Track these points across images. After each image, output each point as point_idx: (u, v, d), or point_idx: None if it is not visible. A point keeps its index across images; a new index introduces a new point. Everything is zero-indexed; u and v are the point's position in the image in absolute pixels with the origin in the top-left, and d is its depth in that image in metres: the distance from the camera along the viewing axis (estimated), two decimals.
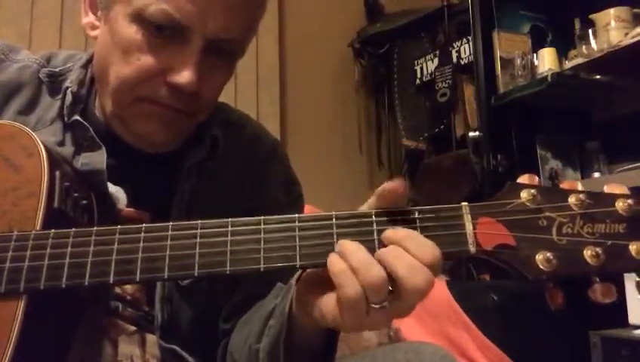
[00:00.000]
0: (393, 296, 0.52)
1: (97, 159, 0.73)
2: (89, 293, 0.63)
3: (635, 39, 1.65)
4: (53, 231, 0.58)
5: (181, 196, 0.77)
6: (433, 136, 2.38)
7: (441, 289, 1.66)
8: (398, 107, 2.56)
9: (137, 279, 0.55)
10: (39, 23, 2.11)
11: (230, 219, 0.57)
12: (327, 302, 0.54)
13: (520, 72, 1.98)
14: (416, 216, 0.54)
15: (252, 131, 0.90)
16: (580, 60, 1.83)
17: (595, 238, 0.51)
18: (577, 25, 2.02)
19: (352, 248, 0.53)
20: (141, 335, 0.75)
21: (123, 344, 0.73)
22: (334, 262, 0.53)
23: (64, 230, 0.58)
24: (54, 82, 0.78)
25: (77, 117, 0.75)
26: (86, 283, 0.55)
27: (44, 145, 0.63)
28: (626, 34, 1.71)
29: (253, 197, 0.82)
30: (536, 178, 0.55)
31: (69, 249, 0.56)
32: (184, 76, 0.68)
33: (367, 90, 2.75)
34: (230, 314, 0.78)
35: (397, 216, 0.55)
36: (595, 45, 1.79)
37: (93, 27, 0.77)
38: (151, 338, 0.75)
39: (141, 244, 0.56)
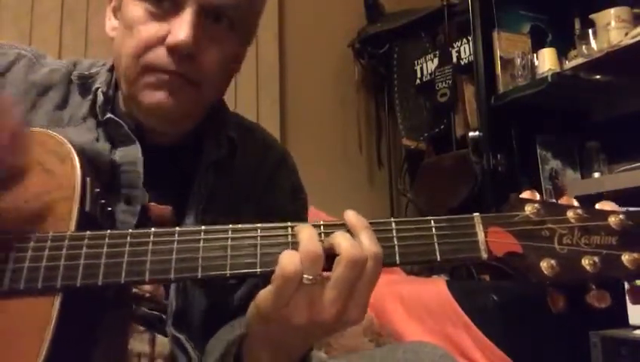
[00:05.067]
0: (324, 278, 0.55)
1: (133, 153, 0.78)
2: (113, 294, 0.65)
3: (635, 39, 1.66)
4: (88, 232, 0.61)
5: (198, 192, 0.80)
6: (433, 136, 2.38)
7: (441, 289, 1.66)
8: (398, 107, 2.55)
9: (172, 278, 0.59)
10: (39, 23, 2.11)
11: (259, 225, 0.61)
12: (263, 291, 0.57)
13: (520, 72, 1.98)
14: (432, 224, 0.59)
15: (264, 138, 0.95)
16: (580, 60, 1.83)
17: (591, 248, 0.57)
18: (577, 25, 2.02)
19: (305, 231, 0.57)
20: (151, 334, 0.76)
21: (133, 342, 0.74)
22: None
23: (100, 232, 0.61)
24: (85, 83, 0.83)
25: (110, 115, 0.80)
26: (122, 282, 0.59)
27: (76, 152, 0.66)
28: (626, 34, 1.71)
29: (261, 200, 0.86)
30: (537, 194, 0.62)
31: (105, 249, 0.59)
32: (179, 35, 0.72)
33: (367, 90, 2.75)
34: (235, 312, 0.80)
35: (414, 224, 0.60)
36: (595, 45, 1.79)
37: (114, 29, 0.83)
38: (160, 339, 0.76)
39: (175, 246, 0.59)
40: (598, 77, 1.84)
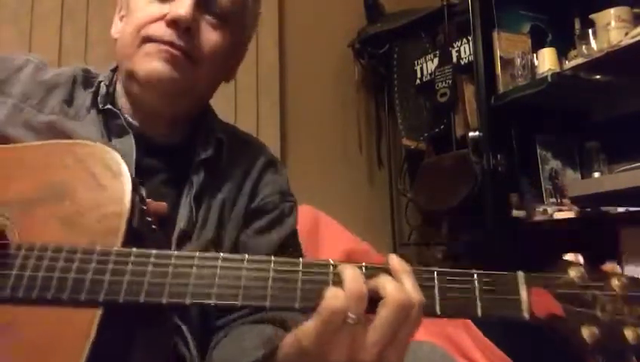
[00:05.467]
0: (368, 319, 0.56)
1: (127, 143, 0.83)
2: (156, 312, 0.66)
3: (635, 39, 1.66)
4: (134, 249, 0.61)
5: (189, 188, 0.85)
6: (433, 136, 2.37)
7: None
8: (398, 107, 2.55)
9: (212, 303, 0.59)
10: (39, 23, 2.11)
11: (302, 260, 0.61)
12: (305, 324, 0.58)
13: (520, 72, 1.98)
14: (475, 278, 0.59)
15: (256, 143, 0.99)
16: (580, 60, 1.83)
17: (634, 319, 0.57)
18: (577, 25, 2.02)
19: (349, 270, 0.58)
20: None
21: None
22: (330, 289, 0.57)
23: (145, 250, 0.62)
24: (88, 77, 0.90)
25: (109, 105, 0.86)
26: (164, 302, 0.59)
27: (129, 169, 0.68)
28: (626, 34, 1.71)
29: (249, 201, 0.90)
30: (581, 258, 0.62)
31: (150, 268, 0.60)
32: (178, 10, 0.79)
33: (367, 90, 2.75)
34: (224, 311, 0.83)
35: (457, 276, 0.60)
36: (595, 45, 1.79)
37: (117, 31, 0.90)
38: None
39: (218, 271, 0.60)
40: (598, 77, 1.84)
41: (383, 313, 0.56)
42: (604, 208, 1.83)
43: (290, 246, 0.91)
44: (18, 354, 0.58)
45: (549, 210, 1.95)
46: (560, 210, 1.93)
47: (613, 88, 1.89)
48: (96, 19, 2.14)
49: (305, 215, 1.67)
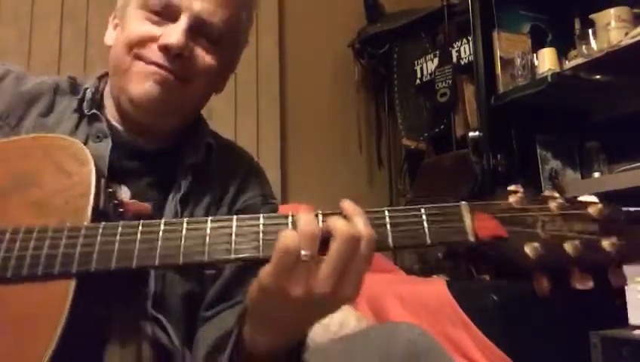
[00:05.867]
0: (322, 255, 0.60)
1: (102, 147, 0.84)
2: (127, 285, 0.71)
3: (635, 39, 1.66)
4: (103, 223, 0.65)
5: (176, 192, 0.86)
6: (433, 136, 2.38)
7: (441, 289, 1.66)
8: (398, 107, 2.56)
9: (181, 262, 0.62)
10: (39, 23, 2.11)
11: (262, 215, 0.64)
12: (265, 266, 0.61)
13: (520, 72, 1.98)
14: (422, 211, 0.63)
15: (239, 151, 1.02)
16: (580, 60, 1.83)
17: (573, 234, 0.61)
18: (577, 25, 2.02)
19: (303, 215, 0.62)
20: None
21: None
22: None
23: (113, 223, 0.65)
24: (74, 85, 0.92)
25: (95, 110, 0.87)
26: (133, 266, 0.62)
27: (93, 157, 0.72)
28: (626, 34, 1.71)
29: (233, 203, 0.92)
30: (522, 188, 0.66)
31: (118, 237, 0.64)
32: (172, 37, 0.81)
33: (367, 90, 2.75)
34: (211, 302, 0.85)
35: (405, 211, 0.64)
36: (595, 45, 1.79)
37: (111, 38, 0.90)
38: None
39: (183, 233, 0.63)
40: (598, 77, 1.84)
41: (333, 247, 0.60)
42: None
43: None
44: (3, 328, 0.62)
45: None
46: None
47: (613, 88, 1.90)
48: (96, 19, 2.14)
49: None
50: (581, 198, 0.63)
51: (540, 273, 0.60)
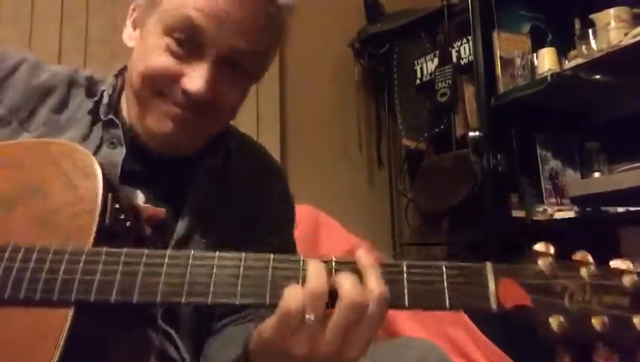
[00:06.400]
0: (326, 317, 0.56)
1: (117, 154, 0.80)
2: (135, 314, 0.67)
3: (635, 39, 1.66)
4: (105, 248, 0.62)
5: (194, 198, 0.83)
6: (433, 136, 2.37)
7: None
8: (398, 107, 2.55)
9: (183, 301, 0.59)
10: (39, 23, 2.11)
11: (272, 256, 0.61)
12: (267, 321, 0.59)
13: (520, 72, 1.98)
14: (444, 270, 0.59)
15: (258, 149, 0.99)
16: (579, 60, 1.83)
17: (602, 308, 0.57)
18: (577, 25, 2.02)
19: (313, 267, 0.58)
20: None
21: None
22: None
23: (116, 249, 0.62)
24: (91, 84, 0.87)
25: (111, 116, 0.83)
26: (134, 301, 0.59)
27: (101, 168, 0.68)
28: (626, 34, 1.71)
29: (251, 209, 0.89)
30: (552, 247, 0.61)
31: (120, 267, 0.60)
32: (195, 84, 0.75)
33: (367, 90, 2.75)
34: (220, 314, 0.83)
35: (425, 268, 0.60)
36: (595, 45, 1.79)
37: (131, 38, 0.85)
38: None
39: (188, 270, 0.60)
40: (598, 77, 1.84)
41: (336, 313, 0.57)
42: (604, 208, 1.83)
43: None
44: None
45: (549, 210, 1.95)
46: (560, 210, 1.93)
47: (613, 88, 1.89)
48: (96, 19, 2.14)
49: (305, 215, 1.67)
50: (615, 264, 0.60)
51: (564, 348, 0.57)
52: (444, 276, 0.59)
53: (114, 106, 0.85)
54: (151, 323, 0.75)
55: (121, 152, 0.81)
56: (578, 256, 0.61)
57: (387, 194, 2.67)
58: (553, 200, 2.03)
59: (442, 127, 2.32)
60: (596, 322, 0.56)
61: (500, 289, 0.58)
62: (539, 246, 0.61)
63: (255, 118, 2.43)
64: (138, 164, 0.82)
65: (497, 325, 1.54)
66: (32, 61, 0.86)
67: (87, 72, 0.90)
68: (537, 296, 0.58)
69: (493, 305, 0.58)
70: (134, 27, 0.85)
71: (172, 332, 0.77)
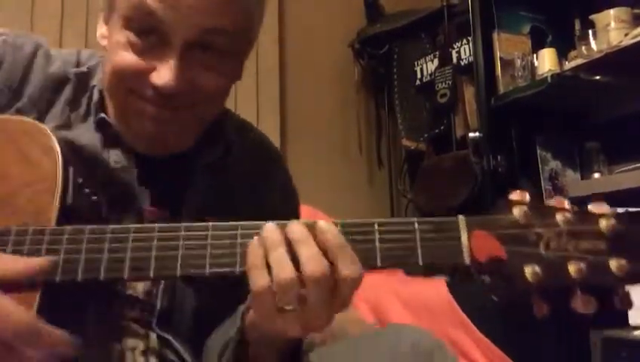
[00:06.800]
0: (302, 301, 0.55)
1: (126, 156, 0.77)
2: (101, 293, 0.66)
3: (635, 40, 1.66)
4: (68, 227, 0.60)
5: (194, 193, 0.80)
6: (433, 136, 2.37)
7: (440, 289, 1.66)
8: (398, 107, 2.55)
9: (151, 276, 0.58)
10: (39, 23, 2.11)
11: (240, 223, 0.59)
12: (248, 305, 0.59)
13: (520, 73, 1.98)
14: (416, 226, 0.57)
15: (258, 136, 0.95)
16: (580, 61, 1.83)
17: (578, 253, 0.55)
18: (577, 25, 2.02)
19: (274, 238, 0.56)
20: (144, 330, 0.76)
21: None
22: (253, 251, 0.56)
23: (79, 226, 0.60)
24: (81, 80, 0.81)
25: (103, 115, 0.78)
26: (101, 278, 0.58)
27: (59, 143, 0.65)
28: (626, 34, 1.71)
29: (253, 199, 0.86)
30: (527, 194, 0.59)
31: (85, 245, 0.58)
32: (162, 77, 0.69)
33: (367, 90, 2.75)
34: (224, 318, 0.80)
35: (396, 225, 0.57)
36: (595, 46, 1.79)
37: (103, 37, 0.80)
38: (153, 336, 0.76)
39: (155, 243, 0.58)
40: (598, 77, 1.84)
41: (310, 295, 0.55)
42: None
43: None
44: None
45: None
46: None
47: (613, 88, 1.89)
48: (96, 19, 2.14)
49: (304, 215, 1.67)
50: (593, 208, 0.57)
51: (539, 297, 0.55)
52: (417, 232, 0.56)
53: (104, 103, 0.80)
54: (147, 325, 0.74)
55: (126, 150, 0.78)
56: (554, 201, 0.58)
57: (387, 195, 2.67)
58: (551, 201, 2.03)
59: (442, 127, 2.32)
60: (572, 268, 0.54)
61: (473, 242, 0.56)
62: (514, 195, 0.58)
63: (255, 118, 2.42)
64: (137, 160, 0.78)
65: (497, 324, 1.54)
66: (45, 47, 0.82)
67: (87, 52, 0.86)
68: (511, 247, 0.55)
69: (467, 259, 0.55)
70: (106, 23, 0.80)
71: (169, 337, 0.75)
